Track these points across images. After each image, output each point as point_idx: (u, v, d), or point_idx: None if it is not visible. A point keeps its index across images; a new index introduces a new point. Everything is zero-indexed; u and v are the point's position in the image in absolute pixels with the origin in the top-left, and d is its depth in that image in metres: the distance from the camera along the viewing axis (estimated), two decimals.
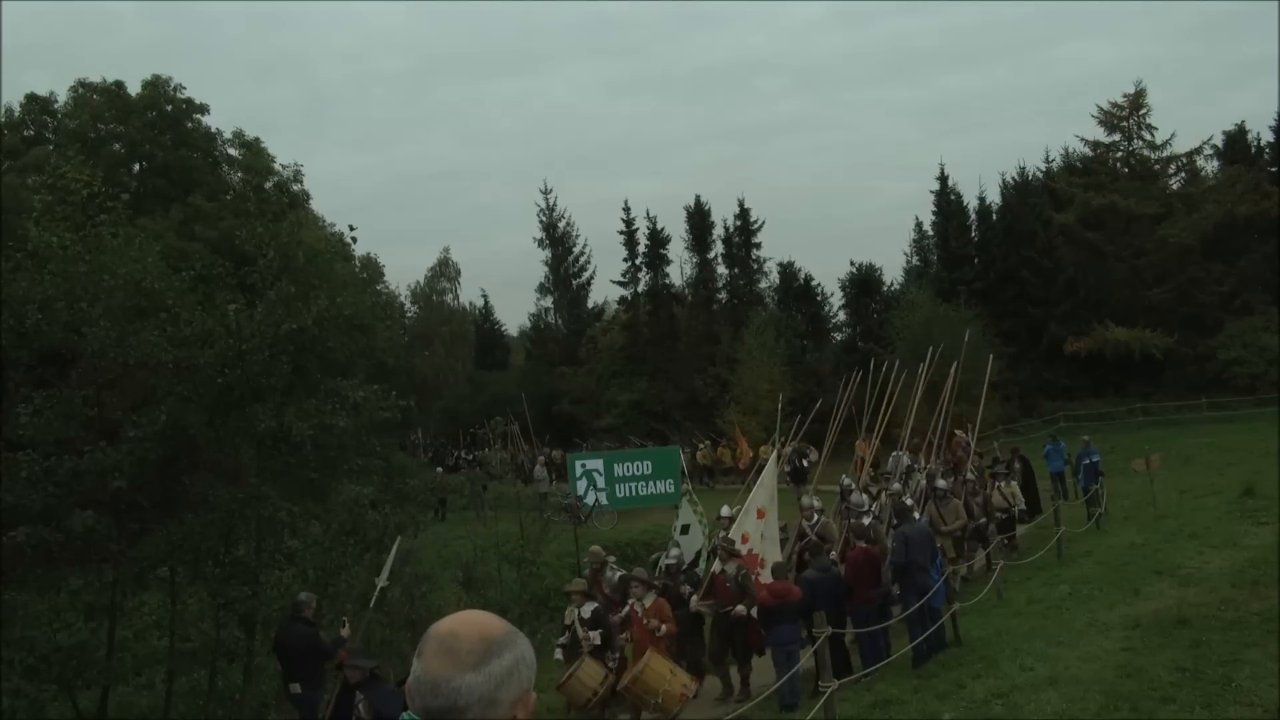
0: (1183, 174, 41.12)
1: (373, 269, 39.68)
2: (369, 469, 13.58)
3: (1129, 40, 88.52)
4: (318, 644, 9.40)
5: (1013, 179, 42.36)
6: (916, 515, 12.16)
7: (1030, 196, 40.93)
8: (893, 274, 45.80)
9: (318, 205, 39.31)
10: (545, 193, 48.29)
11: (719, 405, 37.38)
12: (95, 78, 29.07)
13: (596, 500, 23.18)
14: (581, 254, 48.70)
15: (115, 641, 10.61)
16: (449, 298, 59.17)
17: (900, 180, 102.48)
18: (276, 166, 31.11)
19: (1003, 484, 16.84)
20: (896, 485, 14.62)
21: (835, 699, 8.02)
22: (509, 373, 51.31)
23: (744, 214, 44.36)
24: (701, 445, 32.44)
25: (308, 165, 64.80)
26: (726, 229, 44.50)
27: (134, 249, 11.04)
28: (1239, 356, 34.79)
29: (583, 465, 24.21)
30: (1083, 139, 41.47)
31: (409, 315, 56.17)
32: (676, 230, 44.85)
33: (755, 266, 44.74)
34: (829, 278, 59.98)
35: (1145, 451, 19.41)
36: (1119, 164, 40.87)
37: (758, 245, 44.70)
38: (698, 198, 44.66)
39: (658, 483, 23.25)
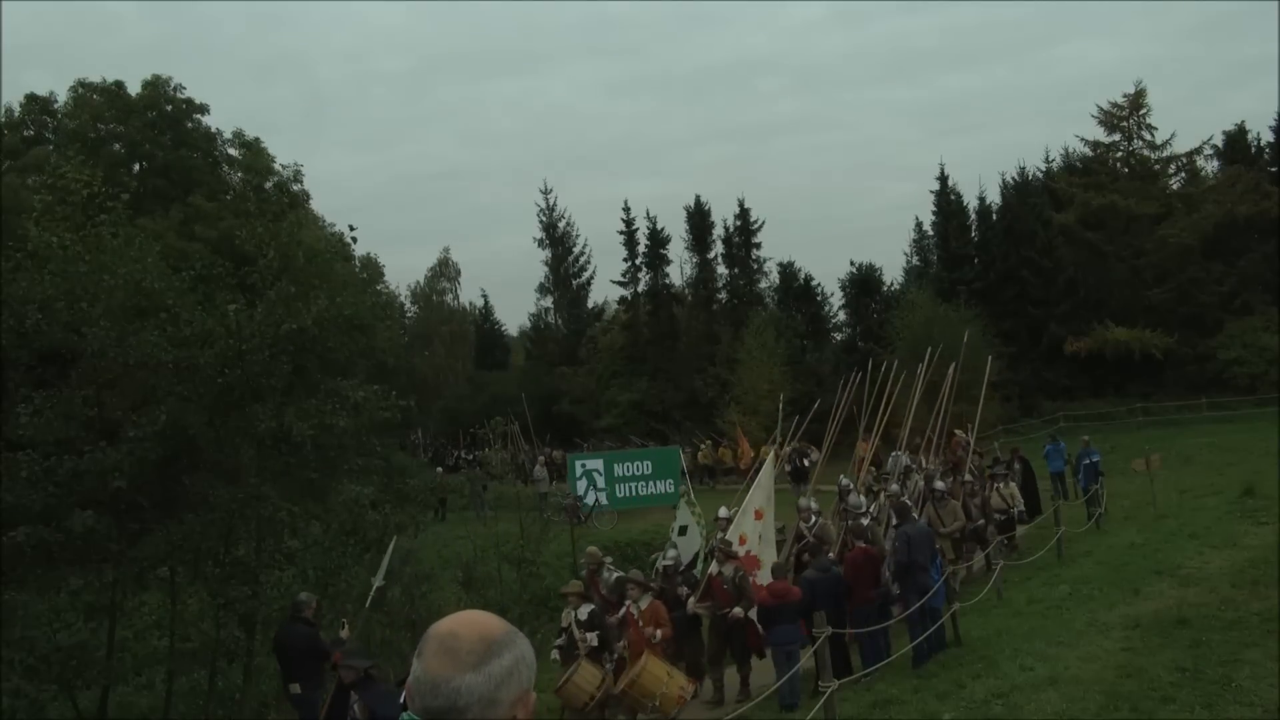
0: (1183, 174, 41.12)
1: (373, 269, 39.69)
2: (369, 469, 13.58)
3: (1129, 40, 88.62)
4: (317, 644, 9.39)
5: (1013, 179, 42.43)
6: (915, 515, 12.17)
7: (1030, 196, 40.94)
8: (893, 274, 45.91)
9: (318, 205, 39.36)
10: (545, 193, 48.39)
11: (719, 405, 37.38)
12: (95, 78, 29.13)
13: (596, 500, 23.19)
14: (581, 254, 48.79)
15: (115, 641, 10.61)
16: (449, 298, 59.23)
17: (900, 180, 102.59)
18: (276, 166, 31.14)
19: (1001, 485, 16.82)
20: (894, 486, 14.61)
21: (835, 699, 8.02)
22: (509, 373, 51.32)
23: (744, 214, 44.40)
24: (703, 445, 32.45)
25: (308, 165, 64.86)
26: (726, 229, 44.56)
27: (134, 249, 11.03)
28: (1239, 356, 34.79)
29: (583, 465, 24.22)
30: (1083, 139, 41.57)
31: (409, 315, 56.18)
32: (676, 230, 44.97)
33: (755, 266, 44.78)
34: (829, 278, 60.10)
35: (1145, 451, 19.42)
36: (1119, 164, 40.88)
37: (758, 245, 44.78)
38: (698, 198, 44.78)
39: (658, 483, 23.26)
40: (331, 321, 11.52)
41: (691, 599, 10.80)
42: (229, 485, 10.67)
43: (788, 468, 23.41)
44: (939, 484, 14.34)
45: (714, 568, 10.95)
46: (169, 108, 29.38)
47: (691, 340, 43.35)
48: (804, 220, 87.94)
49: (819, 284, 44.50)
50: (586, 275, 48.96)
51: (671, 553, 12.04)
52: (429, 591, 14.54)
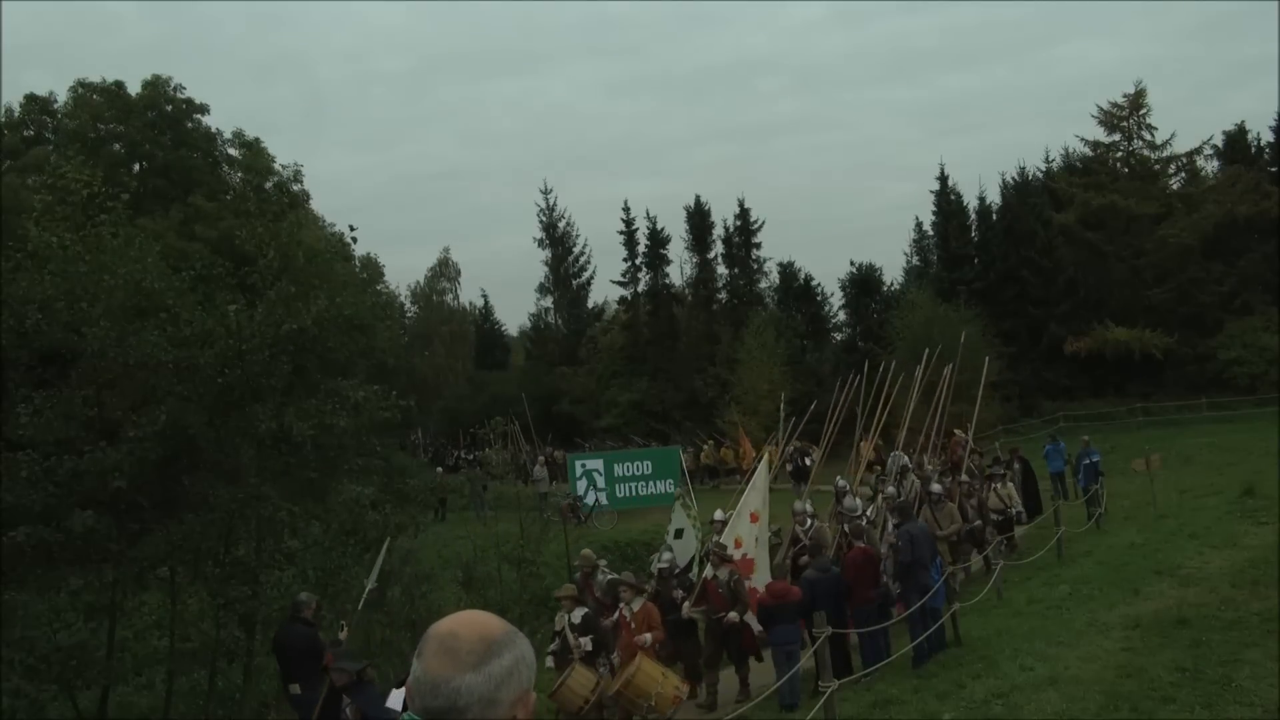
0: (1183, 174, 41.12)
1: (373, 269, 39.69)
2: (369, 469, 13.58)
3: (1129, 40, 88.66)
4: (317, 645, 9.38)
5: (1013, 179, 42.45)
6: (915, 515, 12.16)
7: (1030, 196, 40.94)
8: (893, 274, 45.94)
9: (318, 205, 39.36)
10: (545, 193, 48.39)
11: (719, 405, 37.37)
12: (95, 78, 29.11)
13: (596, 500, 23.18)
14: (581, 254, 48.78)
15: (115, 641, 10.61)
16: (449, 298, 59.23)
17: (900, 180, 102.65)
18: (276, 166, 31.13)
19: (999, 485, 16.82)
20: (891, 489, 14.61)
21: (835, 699, 8.02)
22: (509, 373, 51.32)
23: (744, 214, 44.40)
24: (705, 445, 32.45)
25: (308, 165, 64.95)
26: (726, 229, 44.57)
27: (134, 249, 11.02)
28: (1239, 356, 34.79)
29: (583, 465, 24.23)
30: (1083, 139, 41.58)
31: (409, 315, 56.17)
32: (676, 230, 44.98)
33: (755, 266, 44.78)
34: (829, 278, 60.17)
35: (1145, 451, 19.41)
36: (1119, 164, 40.88)
37: (758, 245, 44.79)
38: (698, 198, 44.79)
39: (657, 483, 23.27)
40: (331, 321, 11.51)
41: (686, 603, 10.76)
42: (229, 485, 10.66)
43: (789, 467, 23.43)
44: (935, 486, 14.33)
45: (709, 571, 10.90)
46: (169, 108, 29.37)
47: (691, 340, 43.34)
48: (804, 220, 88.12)
49: (819, 284, 44.61)
50: (586, 275, 49.02)
51: (667, 555, 11.98)
52: (429, 591, 14.54)
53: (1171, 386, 36.07)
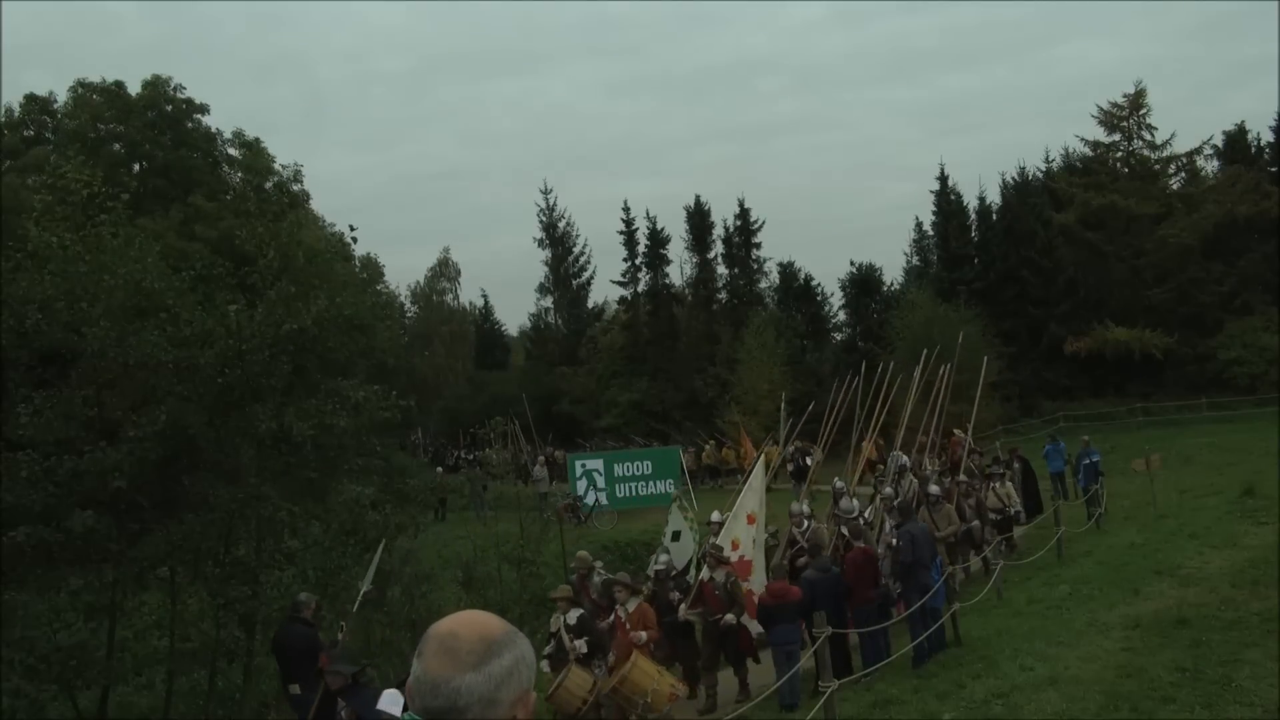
0: (1183, 174, 41.11)
1: (373, 269, 39.70)
2: (369, 469, 13.58)
3: (1129, 40, 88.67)
4: (316, 645, 9.37)
5: (1013, 179, 42.43)
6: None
7: (1030, 196, 40.93)
8: (893, 274, 45.92)
9: (318, 205, 39.37)
10: (545, 193, 48.38)
11: (719, 405, 37.37)
12: (95, 78, 29.11)
13: (596, 500, 23.19)
14: (581, 254, 48.78)
15: (115, 641, 10.61)
16: (449, 298, 59.24)
17: (900, 180, 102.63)
18: (276, 166, 31.14)
19: (997, 485, 16.82)
20: (888, 489, 14.62)
21: (835, 699, 8.02)
22: (509, 373, 51.32)
23: (744, 214, 44.40)
24: (707, 445, 32.44)
25: (308, 165, 64.92)
26: (726, 229, 44.57)
27: (134, 249, 11.03)
28: (1239, 356, 34.79)
29: (583, 465, 24.26)
30: (1083, 139, 41.55)
31: (409, 315, 56.18)
32: (676, 230, 44.97)
33: (755, 266, 44.78)
34: (829, 278, 60.16)
35: (1145, 451, 19.41)
36: (1119, 164, 40.87)
37: (758, 245, 44.79)
38: (698, 198, 44.79)
39: (657, 483, 23.29)
40: (331, 321, 11.51)
41: (683, 605, 10.73)
42: (229, 485, 10.66)
43: (790, 468, 23.42)
44: (933, 488, 14.33)
45: (705, 573, 10.87)
46: (169, 108, 29.37)
47: (691, 340, 43.34)
48: (804, 220, 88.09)
49: (819, 284, 44.60)
50: (586, 275, 49.01)
51: (664, 557, 11.94)
52: (429, 591, 14.53)
53: (1171, 386, 36.06)
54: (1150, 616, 10.17)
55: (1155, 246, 37.52)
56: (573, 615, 9.67)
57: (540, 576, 16.27)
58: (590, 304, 49.49)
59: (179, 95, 29.61)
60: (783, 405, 20.00)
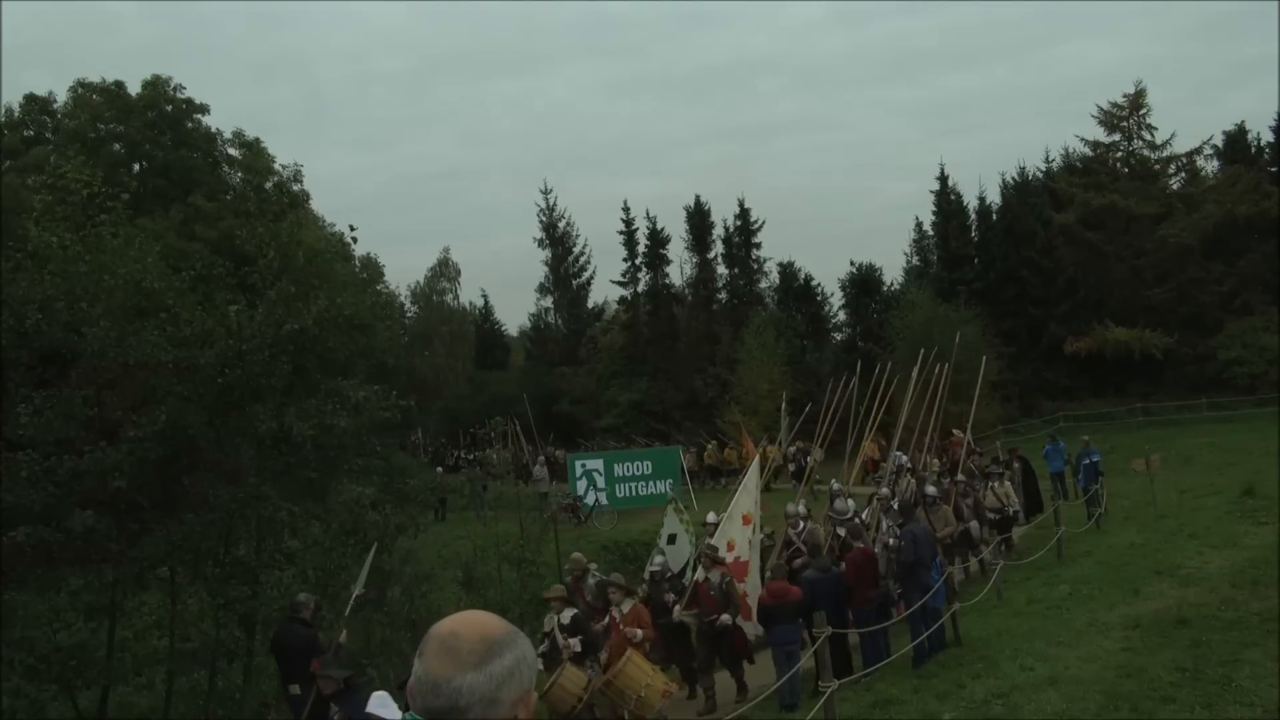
0: (1183, 174, 41.14)
1: (373, 269, 39.70)
2: (369, 469, 13.56)
3: (1129, 40, 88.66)
4: (316, 645, 9.37)
5: (1013, 179, 42.46)
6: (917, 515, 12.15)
7: (1030, 196, 40.95)
8: (893, 274, 45.96)
9: (318, 205, 39.37)
10: (545, 193, 48.39)
11: (719, 405, 37.37)
12: (95, 78, 29.10)
13: (596, 500, 23.20)
14: (581, 254, 48.79)
15: (115, 641, 10.60)
16: (449, 298, 59.23)
17: (900, 180, 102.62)
18: (276, 166, 31.13)
19: (996, 484, 16.83)
20: (884, 489, 14.62)
21: (835, 699, 8.02)
22: (509, 373, 51.32)
23: (744, 214, 44.42)
24: (709, 445, 32.42)
25: (308, 165, 64.82)
26: (726, 229, 44.59)
27: (134, 249, 11.02)
28: (1239, 356, 34.80)
29: (583, 465, 24.28)
30: (1083, 139, 41.60)
31: (409, 315, 56.17)
32: (676, 230, 44.99)
33: (755, 266, 44.80)
34: (829, 278, 60.19)
35: (1145, 451, 19.42)
36: (1119, 164, 40.89)
37: (758, 245, 44.81)
38: (698, 198, 44.80)
39: (657, 483, 23.32)
40: (331, 321, 11.51)
41: (678, 606, 10.71)
42: (229, 485, 10.66)
43: (791, 468, 23.46)
44: (930, 489, 14.34)
45: (700, 574, 10.85)
46: (169, 108, 29.36)
47: (691, 340, 43.35)
48: (804, 220, 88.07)
49: (819, 284, 44.64)
50: (586, 275, 49.02)
51: (659, 559, 11.91)
52: (429, 591, 14.51)
53: (1171, 386, 36.07)
54: (1150, 616, 10.18)
55: (1155, 246, 37.53)
56: (567, 615, 9.66)
57: (540, 576, 16.25)
58: (590, 304, 49.58)
59: (179, 95, 29.61)
60: (783, 405, 20.00)
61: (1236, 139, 39.57)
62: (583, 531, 22.05)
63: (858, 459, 19.23)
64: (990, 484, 16.78)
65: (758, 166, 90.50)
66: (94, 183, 11.70)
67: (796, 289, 43.83)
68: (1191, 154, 40.47)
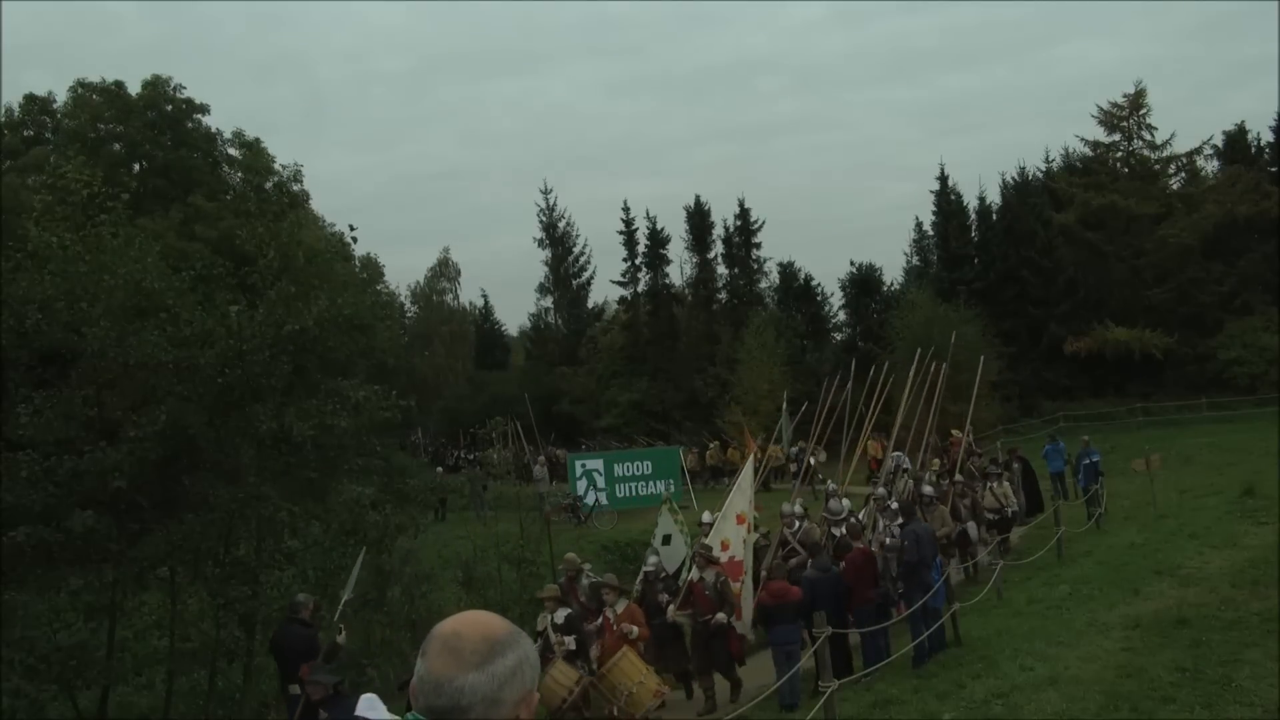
0: (1183, 174, 41.16)
1: (373, 269, 39.68)
2: (369, 469, 13.54)
3: (1129, 40, 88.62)
4: (315, 645, 9.36)
5: (1013, 179, 42.47)
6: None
7: (1030, 196, 40.96)
8: (893, 274, 45.93)
9: (318, 205, 39.33)
10: (545, 193, 48.39)
11: (719, 405, 37.38)
12: (95, 78, 29.08)
13: (596, 500, 23.20)
14: (581, 254, 48.79)
15: (115, 641, 10.59)
16: (449, 298, 59.21)
17: (900, 180, 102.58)
18: (276, 166, 31.11)
19: (995, 484, 16.83)
20: (881, 490, 14.63)
21: (835, 699, 8.02)
22: (509, 373, 51.32)
23: (744, 214, 44.42)
24: (711, 446, 32.41)
25: (308, 165, 64.60)
26: (726, 229, 44.59)
27: (134, 249, 11.01)
28: (1239, 356, 34.81)
29: (583, 465, 24.29)
30: (1083, 139, 41.62)
31: (409, 315, 56.17)
32: (676, 230, 44.99)
33: (755, 266, 44.80)
34: (829, 278, 60.12)
35: (1145, 451, 19.43)
36: (1119, 164, 40.91)
37: (758, 245, 44.82)
38: (698, 198, 44.80)
39: (657, 483, 23.34)
40: (332, 322, 11.51)
41: (671, 606, 10.68)
42: (229, 485, 10.65)
43: (792, 468, 23.45)
44: (927, 489, 14.34)
45: (695, 573, 10.83)
46: (169, 108, 29.35)
47: (691, 340, 43.35)
48: (804, 220, 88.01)
49: (819, 284, 44.65)
50: (586, 275, 49.02)
51: (653, 559, 11.89)
52: (429, 591, 14.53)
53: (1171, 386, 36.09)
54: (1150, 616, 10.18)
55: (1155, 246, 37.54)
56: (560, 614, 9.67)
57: (540, 577, 16.26)
58: (590, 304, 49.57)
59: (179, 95, 29.59)
60: (784, 405, 19.98)
61: (1236, 139, 39.58)
62: (583, 531, 22.06)
63: (854, 457, 19.22)
64: (989, 485, 16.77)
65: (758, 166, 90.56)
66: (94, 183, 11.70)
67: (796, 289, 43.84)
68: (1191, 154, 40.51)
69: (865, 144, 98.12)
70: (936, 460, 19.44)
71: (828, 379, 21.79)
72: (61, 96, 29.76)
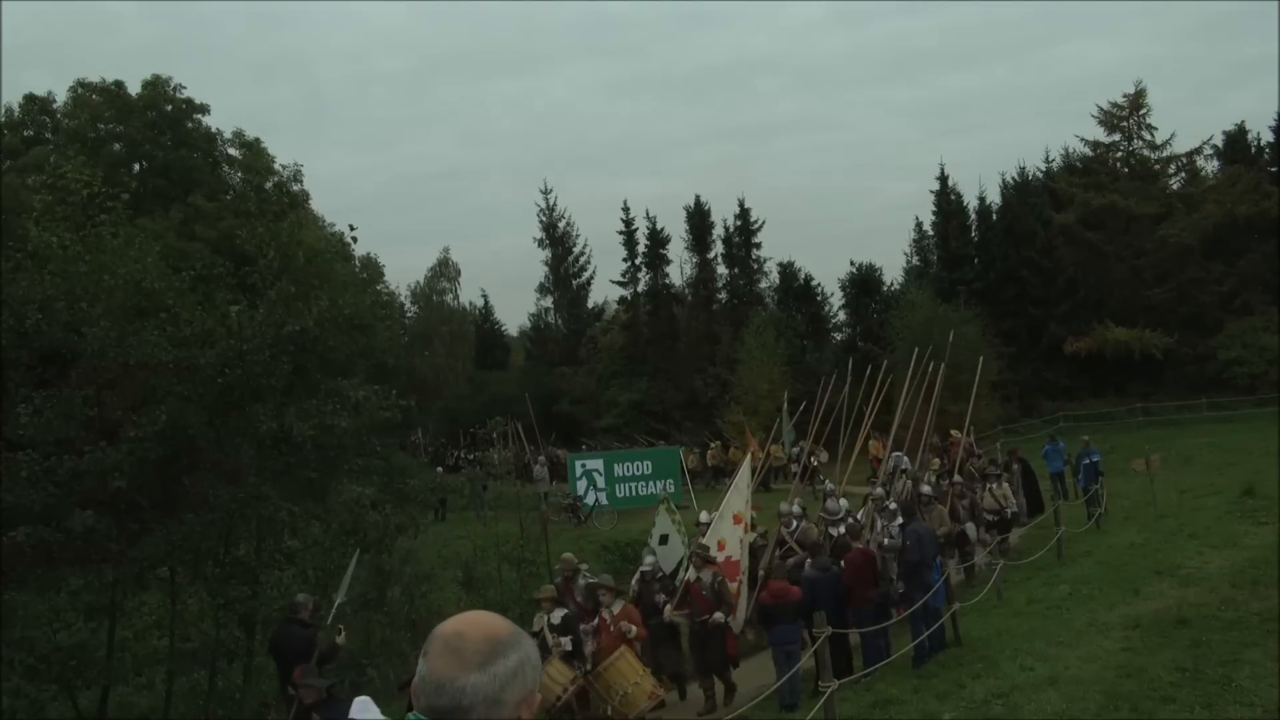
0: (1183, 174, 41.16)
1: (373, 269, 39.67)
2: (369, 469, 13.54)
3: (1129, 40, 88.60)
4: (314, 646, 9.34)
5: (1013, 179, 42.46)
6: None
7: (1030, 196, 40.96)
8: (893, 274, 45.91)
9: (318, 205, 39.31)
10: (545, 193, 48.41)
11: (719, 405, 37.38)
12: (95, 78, 29.08)
13: (596, 500, 23.21)
14: (581, 254, 48.80)
15: (115, 641, 10.59)
16: (449, 298, 59.21)
17: (900, 180, 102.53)
18: (276, 166, 31.10)
19: (994, 485, 16.82)
20: (879, 490, 14.63)
21: (835, 699, 8.02)
22: (509, 373, 51.33)
23: (744, 214, 44.44)
24: (712, 445, 32.41)
25: (308, 165, 64.54)
26: (726, 229, 44.62)
27: (134, 249, 11.01)
28: (1239, 356, 34.82)
29: (583, 465, 24.30)
30: (1083, 139, 41.62)
31: (409, 315, 56.17)
32: (676, 230, 45.01)
33: (755, 266, 44.83)
34: (829, 278, 60.07)
35: (1145, 451, 19.42)
36: (1119, 164, 40.91)
37: (758, 245, 44.85)
38: (698, 198, 44.82)
39: (657, 483, 23.34)
40: (332, 322, 11.51)
41: (668, 606, 10.68)
42: (229, 485, 10.65)
43: (794, 468, 23.42)
44: (925, 489, 14.33)
45: (691, 573, 10.82)
46: (169, 108, 29.34)
47: (691, 340, 43.36)
48: (804, 220, 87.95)
49: (819, 284, 44.66)
50: (586, 275, 49.03)
51: (649, 559, 11.88)
52: (429, 591, 14.52)
53: (1171, 386, 36.09)
54: (1150, 616, 10.18)
55: (1155, 246, 37.55)
56: (557, 615, 9.67)
57: (540, 577, 16.25)
58: (590, 304, 49.58)
59: (179, 95, 29.59)
60: (784, 405, 19.98)
61: (1236, 139, 39.59)
62: (583, 531, 22.06)
63: (853, 457, 19.23)
64: (989, 486, 16.77)
65: (758, 166, 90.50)
66: (94, 183, 11.70)
67: (796, 289, 43.85)
68: (1191, 154, 40.51)
69: (865, 144, 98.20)
70: (936, 460, 19.42)
71: (826, 379, 21.78)
72: (61, 96, 29.80)
